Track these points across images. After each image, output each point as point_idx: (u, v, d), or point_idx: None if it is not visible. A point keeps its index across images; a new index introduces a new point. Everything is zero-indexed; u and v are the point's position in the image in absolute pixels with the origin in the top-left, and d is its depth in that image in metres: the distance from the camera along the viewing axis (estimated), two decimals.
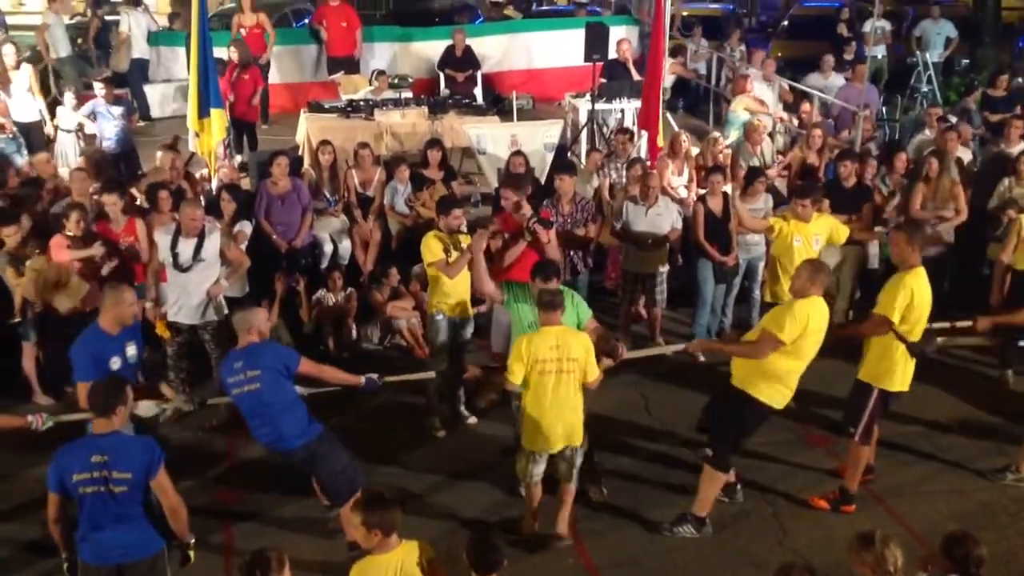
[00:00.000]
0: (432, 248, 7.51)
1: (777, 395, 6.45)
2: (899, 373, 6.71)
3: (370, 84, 13.26)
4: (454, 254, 7.49)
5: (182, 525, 5.25)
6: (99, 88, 11.47)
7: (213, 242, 7.76)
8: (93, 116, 11.42)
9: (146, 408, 6.69)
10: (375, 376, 6.74)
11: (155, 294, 8.07)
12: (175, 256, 7.65)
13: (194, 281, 7.67)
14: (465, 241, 7.52)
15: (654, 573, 6.35)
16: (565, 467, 6.43)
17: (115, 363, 6.23)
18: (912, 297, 6.51)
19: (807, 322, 6.26)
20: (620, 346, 6.85)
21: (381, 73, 13.30)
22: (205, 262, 7.70)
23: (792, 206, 8.49)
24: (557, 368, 6.14)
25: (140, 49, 14.61)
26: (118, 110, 11.48)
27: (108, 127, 11.38)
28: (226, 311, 7.99)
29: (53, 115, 11.92)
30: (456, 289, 7.59)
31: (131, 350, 6.39)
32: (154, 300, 8.05)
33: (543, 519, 6.56)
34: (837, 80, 13.63)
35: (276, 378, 6.01)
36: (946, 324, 7.63)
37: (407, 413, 8.06)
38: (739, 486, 7.02)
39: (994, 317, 7.75)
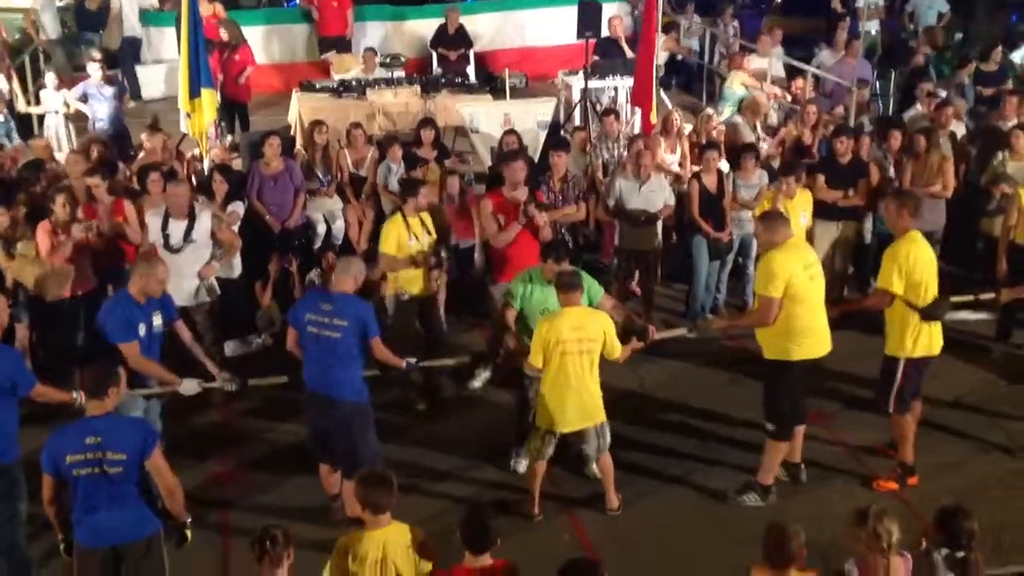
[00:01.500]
0: (388, 236, 7.69)
1: (813, 345, 6.52)
2: (922, 339, 6.71)
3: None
4: (421, 237, 7.70)
5: (178, 505, 5.25)
6: (94, 68, 11.41)
7: (204, 223, 7.75)
8: (85, 98, 11.36)
9: (188, 387, 6.69)
10: (414, 360, 6.95)
11: None
12: (166, 238, 7.64)
13: (186, 263, 7.65)
14: (427, 221, 7.79)
15: (647, 548, 6.38)
16: (595, 444, 6.52)
17: (141, 329, 6.37)
18: (909, 261, 6.53)
19: (786, 267, 6.32)
20: (651, 328, 6.94)
21: (369, 50, 13.24)
22: (196, 243, 7.69)
23: (778, 183, 8.58)
24: (577, 349, 6.20)
25: (132, 27, 14.52)
26: (110, 91, 11.43)
27: (100, 108, 11.34)
28: (218, 292, 7.99)
29: (39, 100, 11.86)
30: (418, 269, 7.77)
31: (156, 320, 6.56)
32: None
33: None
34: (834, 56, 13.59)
35: (355, 336, 6.18)
36: (969, 297, 7.67)
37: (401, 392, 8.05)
38: (803, 466, 7.02)
39: (1015, 289, 7.92)
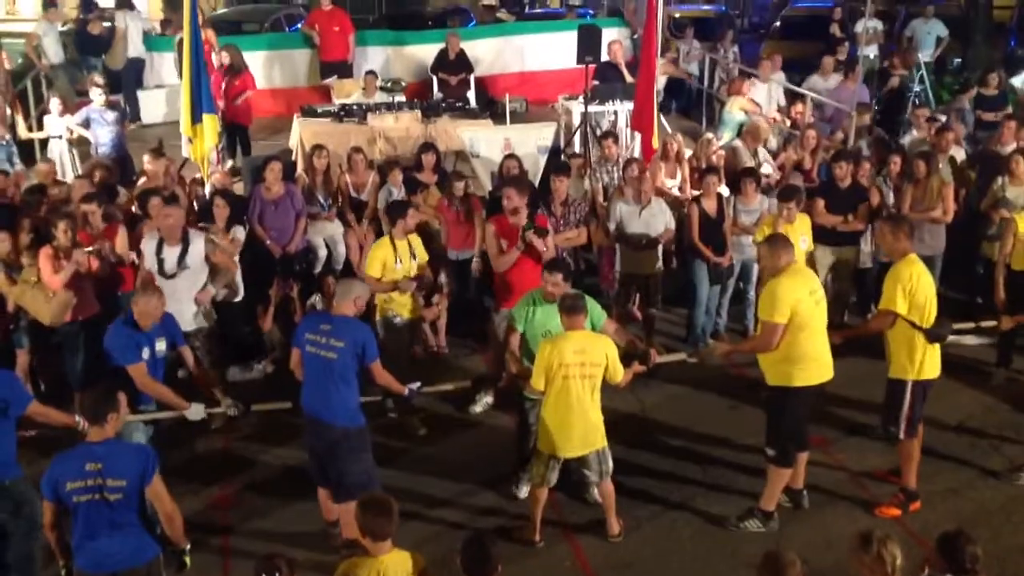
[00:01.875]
0: (373, 263, 7.78)
1: (816, 371, 6.53)
2: (927, 361, 6.74)
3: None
4: (406, 261, 7.78)
5: (178, 532, 5.24)
6: (96, 93, 11.45)
7: (197, 248, 7.74)
8: (87, 123, 11.40)
9: (196, 411, 6.69)
10: (416, 386, 6.96)
11: None
12: (160, 263, 7.62)
13: (181, 288, 7.64)
14: (415, 244, 7.88)
15: (647, 568, 6.35)
16: (597, 470, 6.47)
17: (144, 353, 6.43)
18: (912, 282, 6.56)
19: (792, 293, 6.34)
20: (653, 352, 6.92)
21: (370, 73, 13.31)
22: (191, 269, 7.68)
23: (778, 208, 8.62)
24: (580, 373, 6.17)
25: (136, 48, 14.60)
26: (112, 115, 11.46)
27: (103, 133, 11.38)
28: (215, 317, 7.98)
29: (41, 126, 11.89)
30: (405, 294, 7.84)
31: (160, 345, 6.61)
32: None
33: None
34: (833, 81, 13.66)
35: (352, 358, 6.20)
36: (971, 324, 7.64)
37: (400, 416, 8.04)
38: (805, 492, 6.99)
39: (1016, 317, 8.03)
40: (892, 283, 6.63)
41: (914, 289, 6.57)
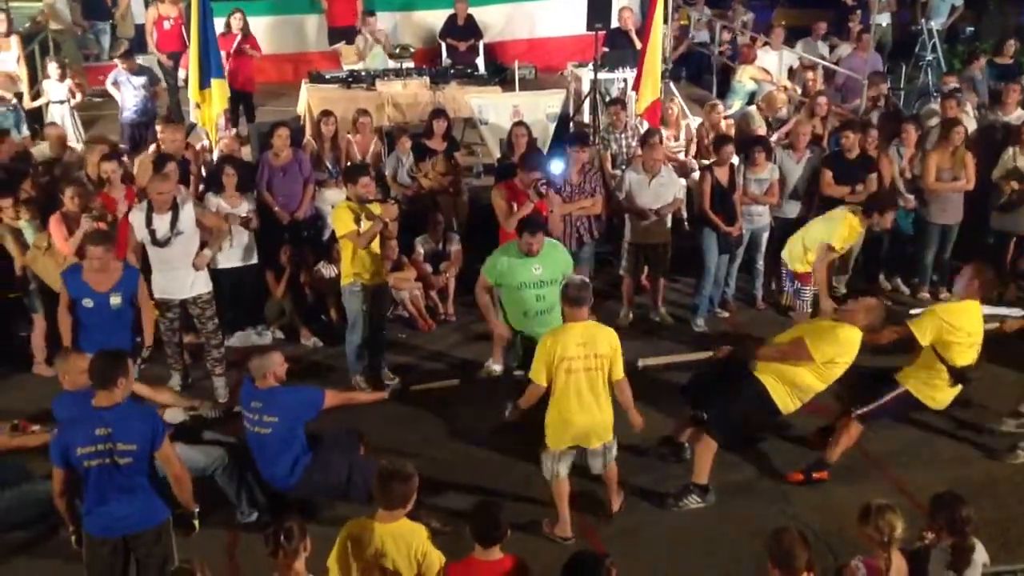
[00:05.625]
0: (343, 219, 7.64)
1: (788, 400, 6.48)
2: (938, 392, 6.73)
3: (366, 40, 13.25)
4: (365, 223, 7.62)
5: (187, 494, 5.29)
6: (119, 61, 11.49)
7: (188, 213, 7.64)
8: (116, 84, 11.43)
9: (172, 415, 6.75)
10: (398, 385, 6.94)
11: None
12: (152, 233, 7.55)
13: (176, 255, 7.62)
14: (376, 210, 7.67)
15: (655, 542, 6.36)
16: (600, 462, 6.29)
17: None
18: (952, 326, 6.52)
19: (843, 352, 6.31)
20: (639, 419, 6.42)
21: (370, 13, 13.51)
22: (184, 235, 7.61)
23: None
24: (584, 366, 5.91)
25: (143, 16, 14.52)
26: (140, 80, 11.44)
27: (128, 96, 11.41)
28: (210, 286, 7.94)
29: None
30: (370, 257, 7.74)
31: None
32: None
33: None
34: (843, 50, 13.56)
35: (290, 428, 6.12)
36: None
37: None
38: (686, 446, 6.98)
39: None
40: (932, 315, 6.60)
41: (949, 331, 6.51)
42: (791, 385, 6.43)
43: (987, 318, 6.92)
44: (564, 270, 7.01)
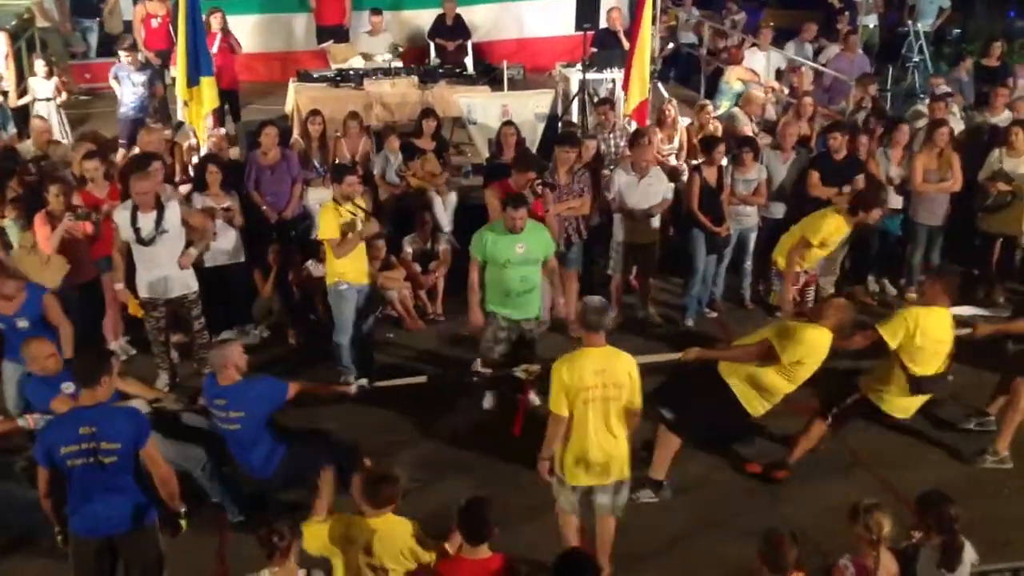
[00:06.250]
0: (327, 222, 7.66)
1: (755, 402, 6.47)
2: (898, 400, 6.72)
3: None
4: (350, 221, 7.67)
5: (172, 494, 5.25)
6: (123, 55, 11.43)
7: (173, 211, 7.62)
8: (116, 79, 11.38)
9: (136, 407, 6.64)
10: (365, 382, 6.93)
11: (122, 275, 7.79)
12: (137, 232, 7.51)
13: (162, 254, 7.59)
14: (363, 204, 7.78)
15: (641, 538, 6.32)
16: (608, 502, 5.83)
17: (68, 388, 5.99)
18: (918, 328, 6.47)
19: (810, 352, 6.28)
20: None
21: (375, 11, 13.39)
22: (169, 233, 7.58)
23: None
24: (602, 395, 5.51)
25: (130, 12, 14.45)
26: (140, 77, 11.38)
27: (127, 92, 11.35)
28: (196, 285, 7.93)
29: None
30: (355, 256, 7.76)
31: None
32: (123, 280, 7.81)
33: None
34: (830, 51, 13.59)
35: (258, 420, 6.06)
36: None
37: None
38: (666, 483, 6.77)
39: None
40: (900, 319, 6.55)
41: (917, 334, 6.46)
42: (757, 387, 6.42)
43: (959, 323, 6.92)
44: (546, 251, 7.34)
